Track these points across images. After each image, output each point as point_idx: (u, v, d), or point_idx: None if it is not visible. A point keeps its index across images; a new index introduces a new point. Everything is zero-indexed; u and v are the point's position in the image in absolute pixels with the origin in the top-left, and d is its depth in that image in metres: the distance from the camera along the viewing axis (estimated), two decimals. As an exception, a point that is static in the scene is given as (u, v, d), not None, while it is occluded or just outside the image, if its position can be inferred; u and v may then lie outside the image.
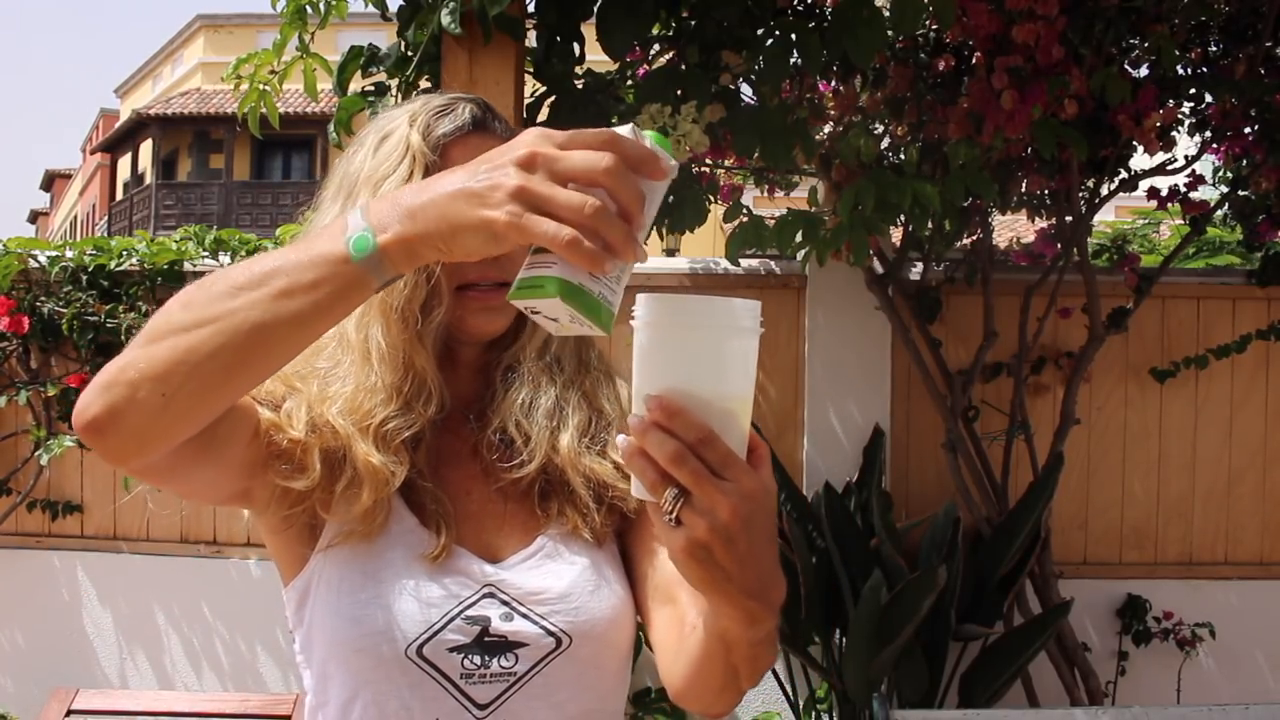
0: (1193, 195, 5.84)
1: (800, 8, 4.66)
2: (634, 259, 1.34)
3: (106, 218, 44.01)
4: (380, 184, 1.83)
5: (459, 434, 1.96)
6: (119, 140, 44.16)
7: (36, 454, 6.10)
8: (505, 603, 1.83)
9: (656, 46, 4.68)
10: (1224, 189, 6.08)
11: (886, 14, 4.16)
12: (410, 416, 1.86)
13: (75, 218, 54.41)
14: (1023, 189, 5.86)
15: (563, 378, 1.98)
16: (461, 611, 1.80)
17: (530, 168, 1.33)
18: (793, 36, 4.20)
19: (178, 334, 1.45)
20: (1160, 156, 5.69)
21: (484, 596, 1.82)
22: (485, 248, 1.36)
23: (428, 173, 1.80)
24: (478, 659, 1.79)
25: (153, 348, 1.46)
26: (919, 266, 6.14)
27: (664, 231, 5.20)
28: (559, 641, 1.83)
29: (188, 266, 6.43)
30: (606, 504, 1.93)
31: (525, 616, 1.82)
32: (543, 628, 1.82)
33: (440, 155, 1.84)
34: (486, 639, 1.80)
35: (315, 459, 1.81)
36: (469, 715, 1.80)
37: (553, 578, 1.86)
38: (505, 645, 1.81)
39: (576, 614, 1.84)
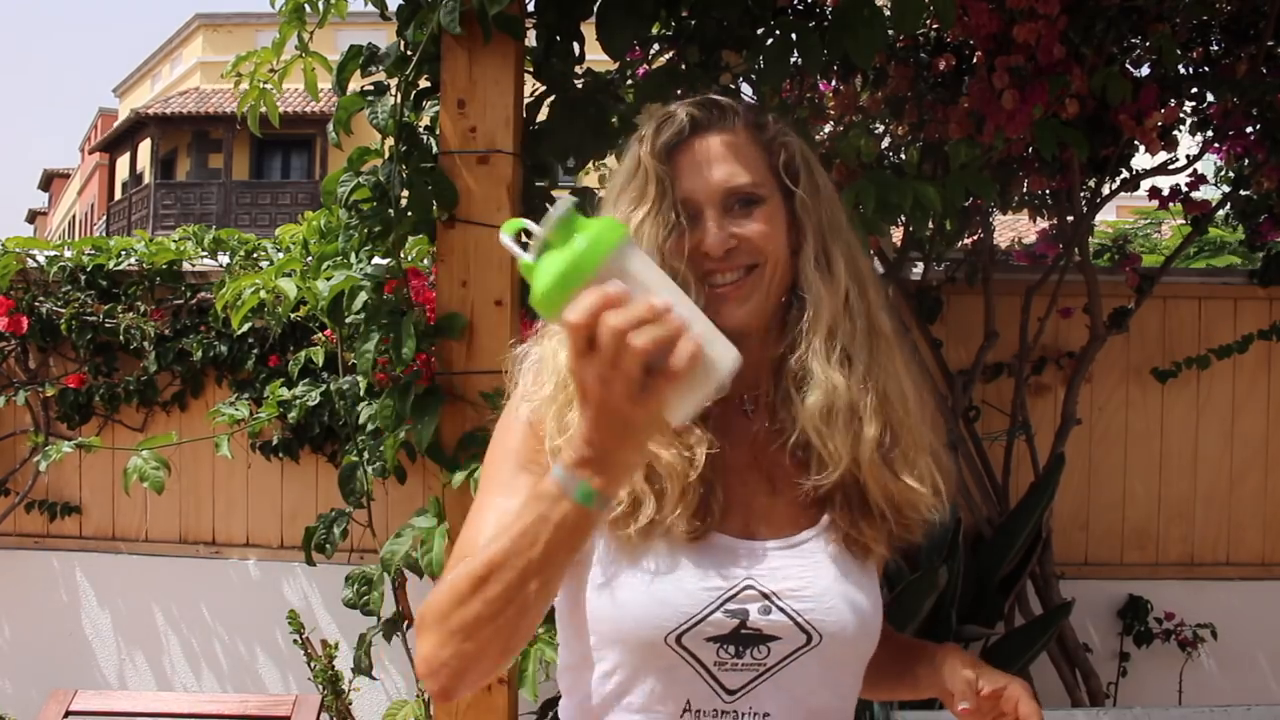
0: (1194, 195, 5.84)
1: (800, 7, 4.66)
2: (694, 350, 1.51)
3: (105, 217, 44.05)
4: (618, 200, 2.00)
5: (733, 419, 2.03)
6: (117, 140, 44.19)
7: (35, 460, 6.10)
8: (765, 595, 1.90)
9: (656, 46, 4.68)
10: (1225, 188, 6.08)
11: (887, 13, 4.15)
12: None
13: (74, 217, 54.45)
14: (1024, 189, 5.86)
15: (855, 376, 2.01)
16: (722, 604, 1.89)
17: (600, 386, 1.53)
18: (793, 36, 4.19)
19: (487, 622, 1.70)
20: (1162, 156, 5.69)
21: (745, 588, 1.90)
22: (651, 439, 1.65)
23: (659, 183, 1.97)
24: (732, 649, 1.89)
25: (471, 638, 1.72)
26: (920, 266, 6.15)
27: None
28: (810, 638, 1.91)
29: (186, 266, 6.43)
30: (890, 524, 2.03)
31: (783, 610, 1.90)
32: (797, 623, 1.90)
33: (668, 163, 1.99)
34: (743, 631, 1.89)
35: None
36: (718, 699, 1.92)
37: (812, 572, 1.94)
38: (760, 638, 1.90)
39: (830, 613, 1.92)
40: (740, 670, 1.90)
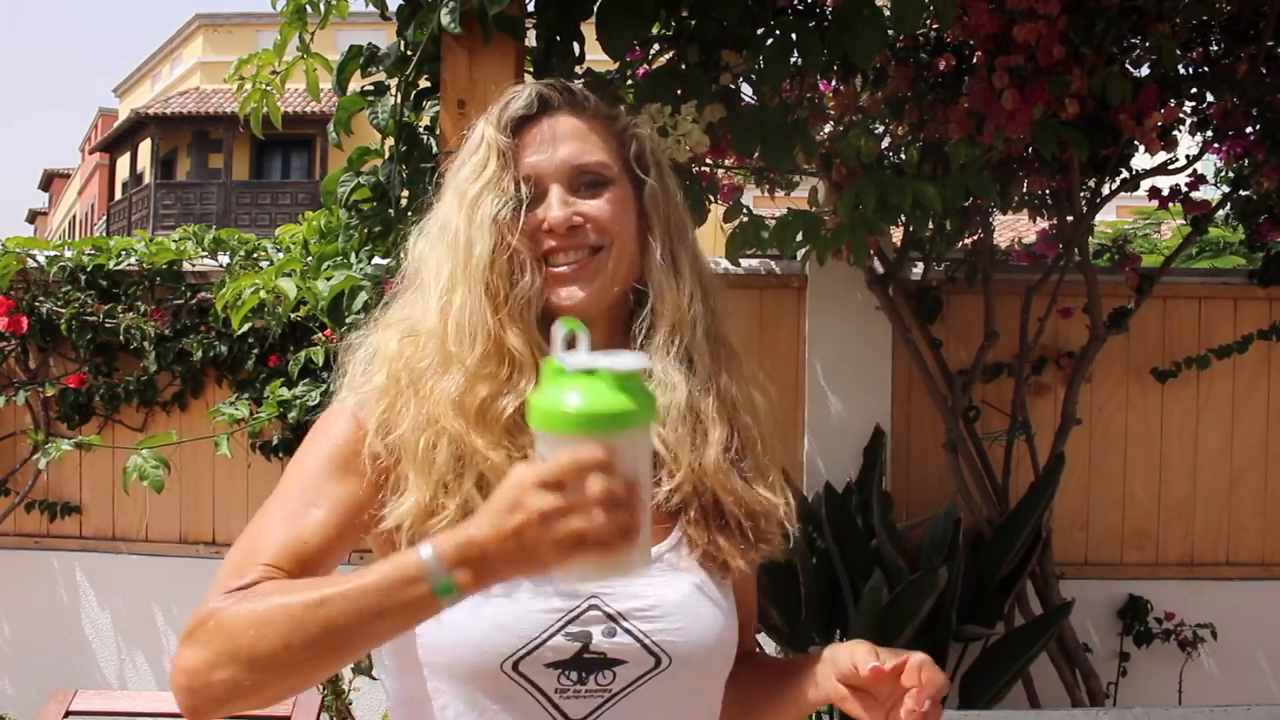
0: (1194, 195, 5.85)
1: (800, 7, 4.67)
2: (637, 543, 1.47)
3: (105, 217, 44.04)
4: (459, 173, 1.95)
5: None
6: (118, 140, 44.19)
7: (35, 457, 6.10)
8: (610, 616, 1.81)
9: (656, 46, 4.68)
10: (1225, 189, 6.08)
11: (887, 13, 4.16)
12: (511, 396, 1.84)
13: (74, 217, 54.45)
14: (1024, 189, 5.85)
15: (696, 377, 1.95)
16: (563, 626, 1.78)
17: (545, 520, 1.45)
18: (793, 36, 4.20)
19: (282, 665, 1.60)
20: (1161, 156, 5.69)
21: (588, 609, 1.80)
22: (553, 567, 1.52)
23: (500, 155, 1.91)
24: (574, 675, 1.78)
25: (256, 673, 1.61)
26: (919, 266, 6.15)
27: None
28: (659, 661, 1.81)
29: (186, 266, 6.44)
30: (748, 535, 1.93)
31: (628, 632, 1.81)
32: (644, 645, 1.81)
33: (514, 136, 1.94)
34: (585, 655, 1.78)
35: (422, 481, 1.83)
36: None
37: (662, 590, 1.85)
38: (604, 662, 1.80)
39: (680, 634, 1.83)
40: (584, 697, 1.80)
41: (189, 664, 1.65)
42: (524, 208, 1.90)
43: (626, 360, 1.47)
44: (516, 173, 1.91)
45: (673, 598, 1.84)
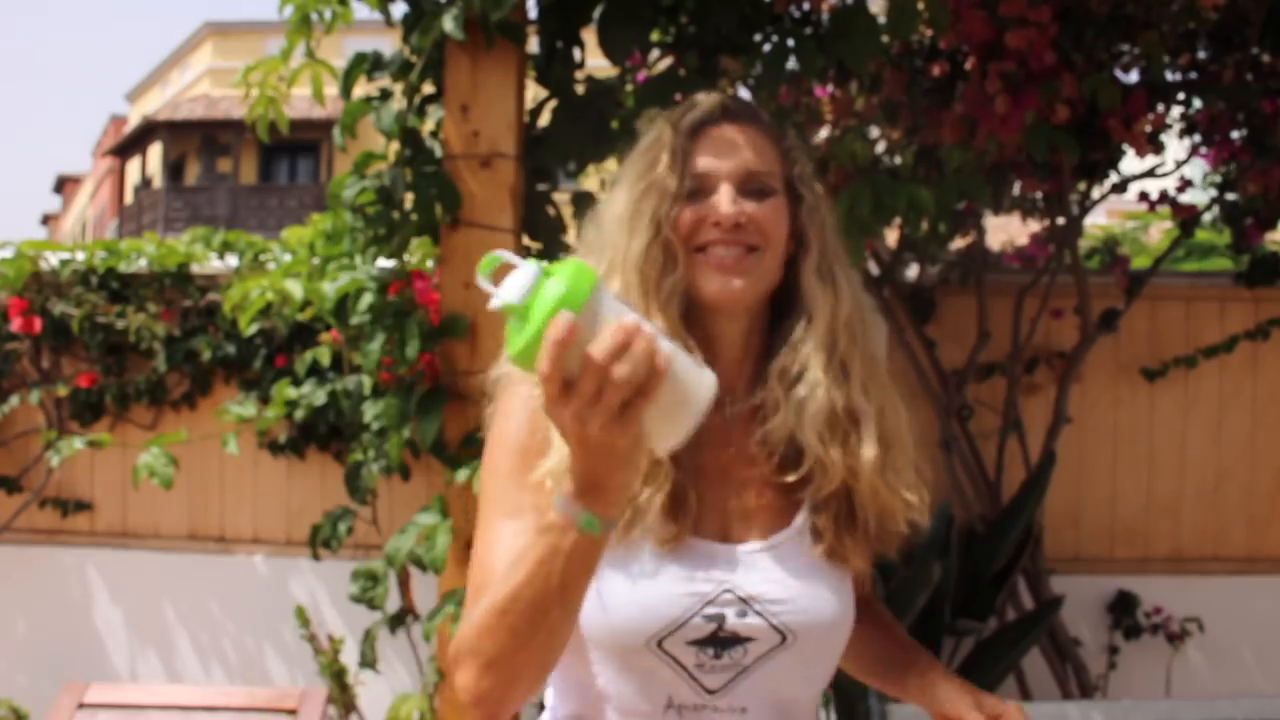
0: (1182, 198, 5.89)
1: (797, 14, 4.72)
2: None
3: (116, 220, 43.96)
4: (632, 166, 2.06)
5: (715, 414, 1.96)
6: (129, 144, 44.12)
7: (47, 455, 6.16)
8: (742, 600, 1.95)
9: (656, 52, 4.73)
10: (1212, 192, 6.12)
11: (882, 20, 4.23)
12: None
13: (86, 220, 54.34)
14: (1016, 192, 5.91)
15: (854, 387, 2.04)
16: (701, 610, 1.93)
17: (576, 424, 1.54)
18: (790, 42, 4.27)
19: (519, 651, 1.75)
20: (1150, 160, 5.74)
21: (722, 593, 1.94)
22: (640, 458, 1.63)
23: (674, 155, 2.02)
24: (711, 651, 1.94)
25: (507, 669, 1.77)
26: (914, 268, 6.20)
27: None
28: (784, 638, 1.96)
29: (195, 268, 6.48)
30: (871, 537, 2.05)
31: (759, 614, 1.95)
32: (772, 625, 1.95)
33: (690, 140, 2.04)
34: (721, 634, 1.94)
35: None
36: (699, 698, 1.97)
37: (787, 576, 1.99)
38: (737, 640, 1.95)
39: (803, 614, 1.97)
40: (719, 671, 1.96)
41: (463, 685, 1.81)
42: (689, 201, 2.00)
43: (525, 279, 1.53)
44: (685, 171, 2.01)
45: (797, 584, 1.98)
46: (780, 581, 1.98)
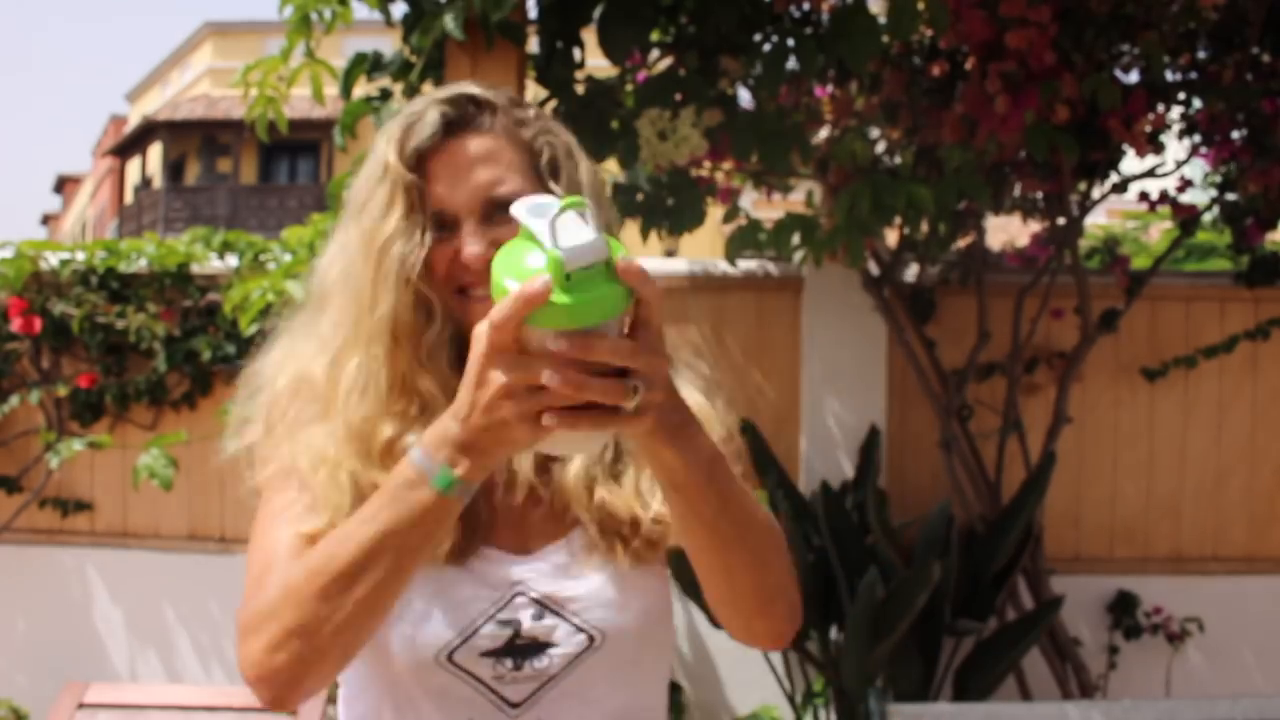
0: (1182, 198, 5.89)
1: (797, 14, 4.72)
2: (624, 399, 1.43)
3: (117, 220, 44.00)
4: (363, 210, 1.82)
5: None
6: (129, 144, 44.17)
7: (46, 456, 6.16)
8: (536, 601, 1.80)
9: (656, 52, 4.73)
10: (1212, 192, 6.12)
11: (882, 20, 4.24)
12: (419, 432, 1.71)
13: (86, 221, 54.39)
14: (1016, 192, 5.92)
15: None
16: (492, 615, 1.78)
17: (507, 394, 1.45)
18: (790, 42, 4.28)
19: (327, 620, 1.59)
20: (1150, 160, 5.75)
21: (514, 596, 1.80)
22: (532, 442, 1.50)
23: (408, 193, 1.79)
24: (510, 662, 1.78)
25: (311, 638, 1.61)
26: (914, 268, 6.19)
27: (663, 233, 5.28)
28: (592, 639, 1.80)
29: (195, 268, 6.49)
30: (630, 540, 1.85)
31: (557, 614, 1.80)
32: (575, 625, 1.80)
33: (418, 171, 1.81)
34: (518, 642, 1.78)
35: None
36: (502, 715, 1.79)
37: (586, 575, 1.83)
38: (537, 647, 1.79)
39: (609, 611, 1.81)
40: (521, 682, 1.79)
41: (250, 658, 1.65)
42: (436, 240, 1.81)
43: (595, 248, 1.41)
44: (425, 210, 1.81)
45: (595, 582, 1.83)
46: (577, 580, 1.82)
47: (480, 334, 1.45)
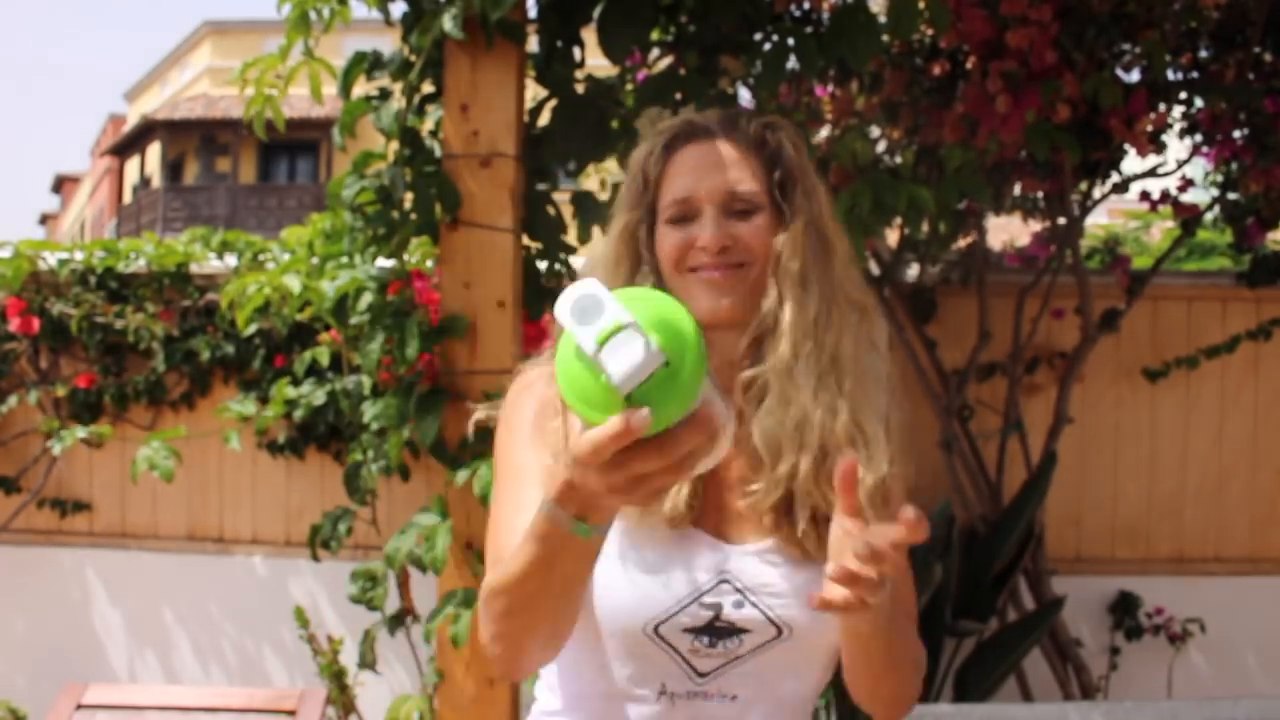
0: (1183, 198, 5.88)
1: (797, 13, 4.72)
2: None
3: (115, 220, 43.99)
4: (626, 207, 2.11)
5: None
6: (127, 144, 44.15)
7: (49, 444, 6.15)
8: (739, 590, 1.97)
9: (656, 51, 4.73)
10: (1214, 192, 6.12)
11: (882, 19, 4.23)
12: None
13: (85, 220, 54.39)
14: (1016, 192, 5.92)
15: (815, 398, 1.99)
16: (698, 598, 1.96)
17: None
18: (790, 41, 4.27)
19: (519, 636, 1.86)
20: (1151, 160, 5.75)
21: (720, 582, 1.97)
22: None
23: (659, 183, 2.08)
24: (706, 639, 1.97)
25: (507, 641, 1.87)
26: (915, 268, 6.20)
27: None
28: (780, 631, 1.97)
29: (194, 268, 6.49)
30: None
31: (755, 605, 1.96)
32: (769, 618, 1.96)
33: (668, 164, 2.08)
34: (717, 624, 1.96)
35: None
36: (690, 682, 1.99)
37: (781, 574, 1.98)
38: (733, 630, 1.97)
39: (800, 609, 1.96)
40: (712, 657, 1.97)
41: (482, 638, 1.90)
42: (674, 225, 2.05)
43: (645, 358, 1.36)
44: (671, 196, 2.05)
45: (794, 580, 1.97)
46: (779, 576, 1.98)
47: (574, 451, 1.48)
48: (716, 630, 1.96)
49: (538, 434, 2.00)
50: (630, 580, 1.96)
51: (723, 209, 2.03)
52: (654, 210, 2.09)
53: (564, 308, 1.40)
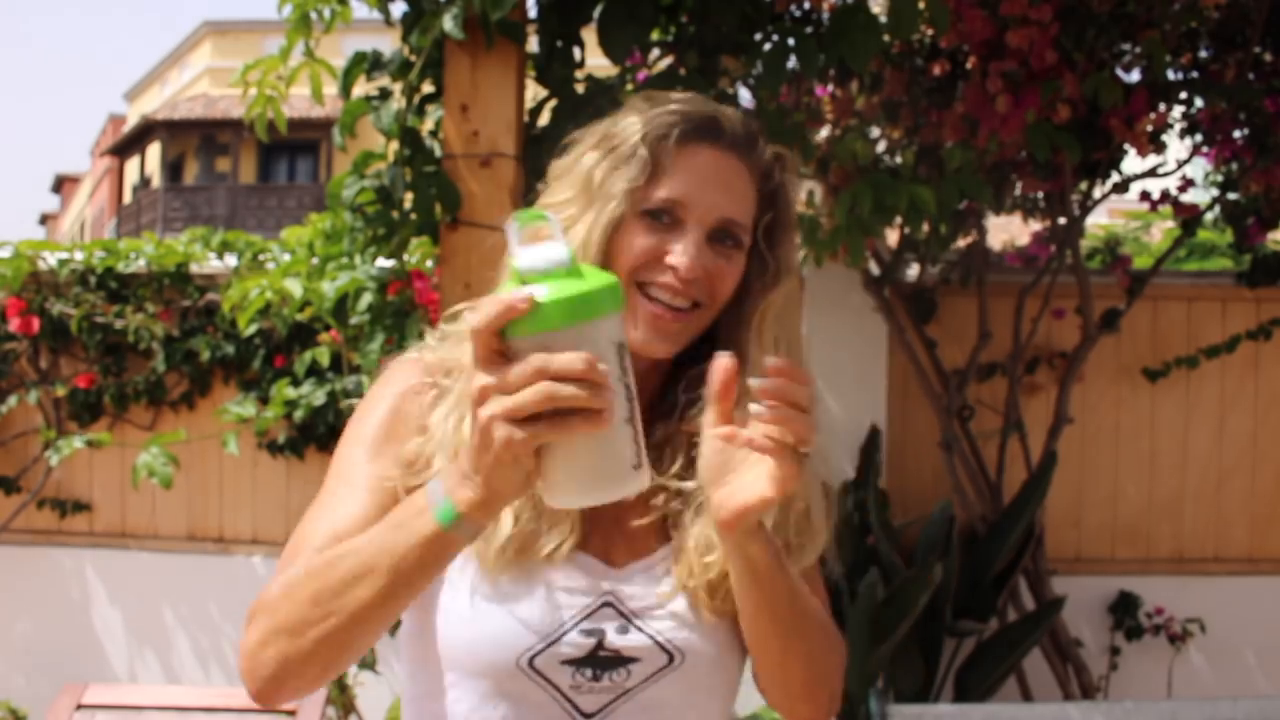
0: (1183, 198, 5.87)
1: (798, 13, 4.71)
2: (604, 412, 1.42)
3: (115, 220, 44.04)
4: (594, 147, 1.83)
5: None
6: (127, 144, 44.20)
7: (46, 454, 6.16)
8: (623, 615, 1.79)
9: (656, 51, 4.72)
10: (1214, 192, 6.12)
11: (883, 19, 4.23)
12: None
13: (84, 220, 54.42)
14: (1017, 192, 5.91)
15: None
16: (578, 623, 1.77)
17: (483, 400, 1.44)
18: (790, 41, 4.26)
19: (313, 625, 1.61)
20: (1152, 160, 5.74)
21: (602, 606, 1.79)
22: (521, 482, 1.48)
23: (651, 166, 1.78)
24: (589, 672, 1.77)
25: (295, 639, 1.63)
26: (915, 268, 6.19)
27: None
28: (672, 658, 1.79)
29: (194, 268, 6.50)
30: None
31: (641, 630, 1.79)
32: (658, 643, 1.79)
33: (673, 152, 1.80)
34: (600, 653, 1.77)
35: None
36: None
37: (671, 591, 1.82)
38: (618, 660, 1.78)
39: (692, 631, 1.80)
40: (597, 693, 1.78)
41: (245, 648, 1.67)
42: (648, 224, 1.80)
43: (553, 252, 1.45)
44: (660, 191, 1.78)
45: (680, 601, 1.81)
46: (664, 599, 1.81)
47: (469, 326, 1.46)
48: (600, 661, 1.77)
49: (386, 439, 1.82)
50: (502, 607, 1.76)
51: (709, 234, 1.79)
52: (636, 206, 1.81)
53: (512, 223, 1.51)
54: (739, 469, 1.63)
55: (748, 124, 1.86)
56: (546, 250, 1.45)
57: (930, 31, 5.25)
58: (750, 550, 1.67)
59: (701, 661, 1.81)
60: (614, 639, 1.77)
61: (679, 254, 1.77)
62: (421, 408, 1.82)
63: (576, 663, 1.76)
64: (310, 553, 1.71)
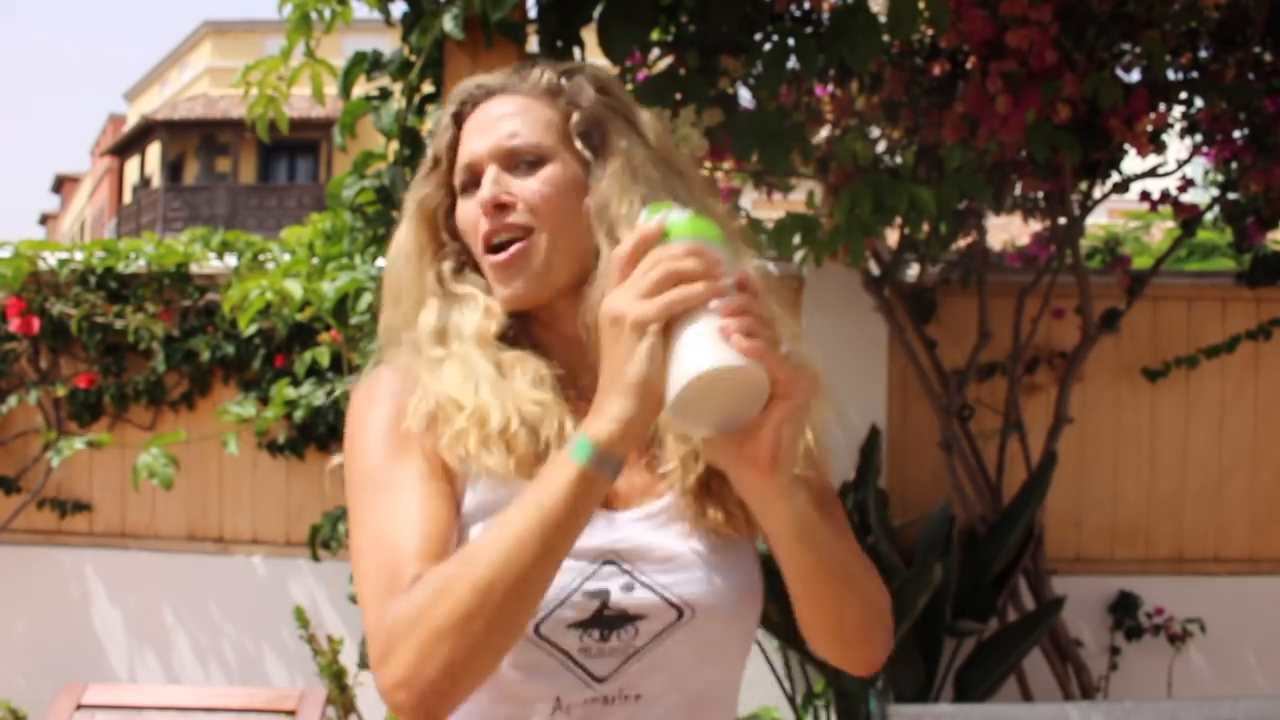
0: (1183, 198, 5.87)
1: (798, 13, 4.71)
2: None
3: (115, 220, 44.03)
4: (416, 187, 1.97)
5: (569, 388, 1.84)
6: (127, 144, 44.19)
7: (46, 455, 6.16)
8: (626, 572, 1.75)
9: (656, 51, 4.72)
10: (1214, 192, 6.12)
11: (883, 19, 4.22)
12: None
13: (84, 220, 54.42)
14: (1017, 192, 5.91)
15: None
16: (579, 586, 1.72)
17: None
18: (790, 41, 4.26)
19: (481, 612, 1.56)
20: (1152, 160, 5.74)
21: (604, 564, 1.74)
22: (650, 398, 1.54)
23: (448, 150, 1.92)
24: (596, 634, 1.72)
25: (464, 635, 1.56)
26: (915, 268, 6.19)
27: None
28: (681, 613, 1.75)
29: (194, 268, 6.50)
30: (734, 512, 1.81)
31: (647, 587, 1.74)
32: (664, 599, 1.75)
33: (458, 129, 1.91)
34: (605, 613, 1.73)
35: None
36: (587, 689, 1.74)
37: (676, 541, 1.78)
38: (624, 619, 1.73)
39: (700, 584, 1.76)
40: (607, 655, 1.73)
41: (398, 676, 1.58)
42: (465, 197, 1.89)
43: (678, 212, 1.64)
44: (459, 162, 1.89)
45: (686, 551, 1.77)
46: (668, 549, 1.77)
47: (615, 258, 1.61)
48: (606, 620, 1.72)
49: (402, 436, 1.79)
50: None
51: (504, 164, 1.83)
52: (452, 187, 1.91)
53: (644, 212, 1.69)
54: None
55: (515, 65, 1.95)
56: (675, 211, 1.63)
57: (930, 31, 5.25)
58: (797, 502, 1.65)
59: (713, 616, 1.77)
60: (619, 597, 1.73)
61: (479, 194, 1.85)
62: (416, 401, 1.81)
63: (583, 625, 1.72)
64: (412, 561, 1.67)
